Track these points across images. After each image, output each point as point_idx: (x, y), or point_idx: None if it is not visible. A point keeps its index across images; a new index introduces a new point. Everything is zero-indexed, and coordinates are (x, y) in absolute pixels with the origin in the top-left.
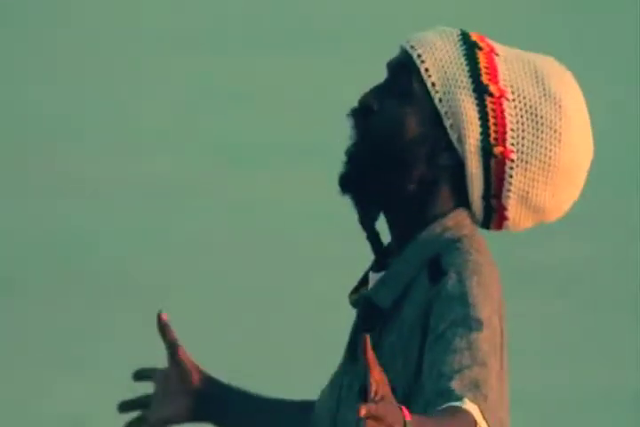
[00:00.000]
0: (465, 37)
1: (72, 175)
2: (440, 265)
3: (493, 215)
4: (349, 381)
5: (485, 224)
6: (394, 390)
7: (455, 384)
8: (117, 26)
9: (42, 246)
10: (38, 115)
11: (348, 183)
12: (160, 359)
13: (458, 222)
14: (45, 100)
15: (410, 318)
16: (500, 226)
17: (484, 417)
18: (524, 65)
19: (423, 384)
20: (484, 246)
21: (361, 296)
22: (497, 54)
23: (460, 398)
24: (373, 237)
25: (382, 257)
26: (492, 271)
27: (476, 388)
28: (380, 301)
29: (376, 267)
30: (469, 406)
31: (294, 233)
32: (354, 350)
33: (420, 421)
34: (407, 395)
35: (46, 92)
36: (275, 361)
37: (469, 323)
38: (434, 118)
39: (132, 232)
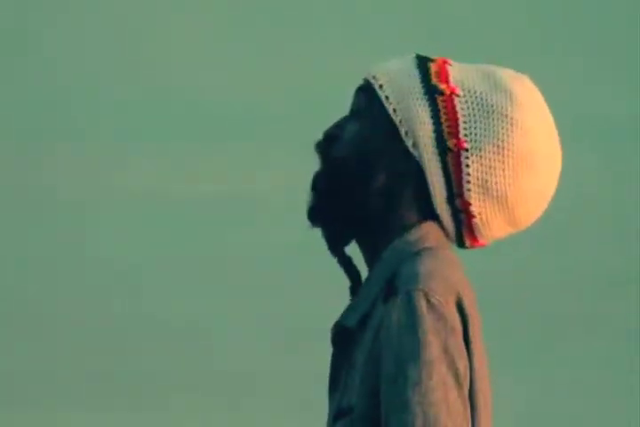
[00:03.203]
0: (420, 56)
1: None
2: (394, 283)
3: (462, 217)
4: (332, 406)
5: (459, 236)
6: (351, 410)
7: None
8: None
9: None
10: None
11: (316, 214)
12: None
13: (421, 236)
14: None
15: (370, 336)
16: (472, 234)
17: None
18: (476, 68)
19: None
20: (447, 259)
21: (334, 324)
22: (450, 64)
23: None
24: (346, 264)
25: (357, 284)
26: (446, 280)
27: None
28: (347, 321)
29: (352, 295)
30: None
31: None
32: (333, 378)
33: None
34: (368, 413)
35: None
36: None
37: (420, 367)
38: (390, 130)
39: None
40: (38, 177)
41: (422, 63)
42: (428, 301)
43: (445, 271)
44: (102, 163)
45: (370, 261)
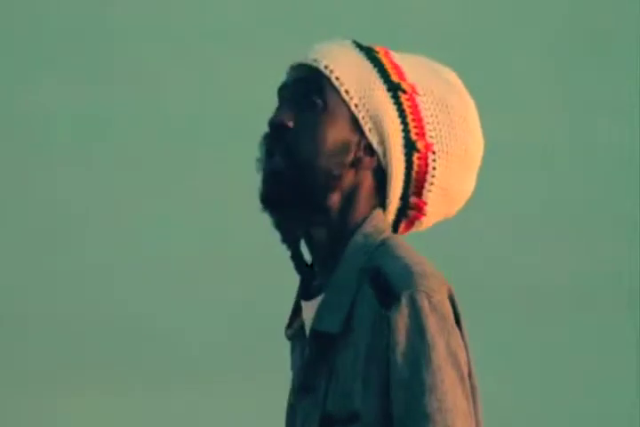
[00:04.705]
0: (358, 45)
1: None
2: (388, 284)
3: (409, 213)
4: (308, 410)
5: (394, 227)
6: (356, 417)
7: None
8: None
9: None
10: None
11: (273, 202)
12: None
13: (376, 225)
14: None
15: (363, 339)
16: (410, 225)
17: None
18: (417, 62)
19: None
20: (404, 242)
21: (301, 330)
22: (392, 55)
23: None
24: (298, 257)
25: (308, 281)
26: (436, 275)
27: None
28: (328, 327)
29: (305, 294)
30: None
31: None
32: (310, 380)
33: None
34: (378, 416)
35: None
36: None
37: (433, 371)
38: (351, 125)
39: None
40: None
41: (370, 54)
42: (430, 301)
43: (427, 264)
44: None
45: (322, 257)
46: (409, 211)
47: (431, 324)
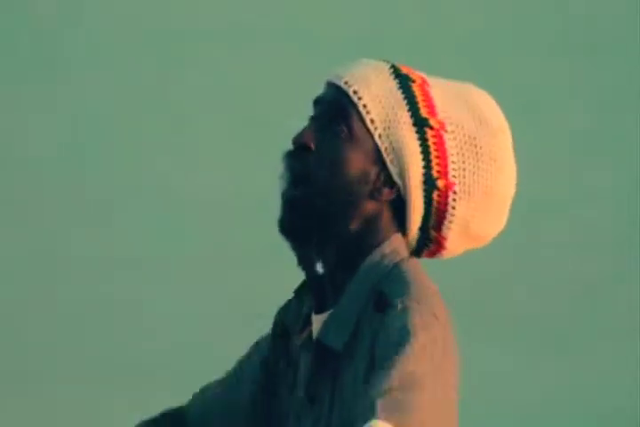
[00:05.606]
0: (396, 70)
1: None
2: (385, 295)
3: (430, 245)
4: (311, 424)
5: (418, 252)
6: None
7: (380, 403)
8: None
9: None
10: None
11: (290, 228)
12: None
13: (394, 248)
14: None
15: (363, 360)
16: (433, 255)
17: None
18: (456, 95)
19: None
20: (420, 268)
21: (309, 340)
22: (429, 85)
23: (376, 417)
24: (316, 280)
25: (320, 296)
26: (434, 296)
27: (399, 411)
28: (332, 342)
29: (316, 308)
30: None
31: None
32: (312, 392)
33: None
34: None
35: None
36: None
37: (406, 350)
38: (374, 154)
39: None
40: None
41: (404, 83)
42: (419, 303)
43: (433, 289)
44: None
45: (333, 275)
46: (429, 243)
47: (418, 320)
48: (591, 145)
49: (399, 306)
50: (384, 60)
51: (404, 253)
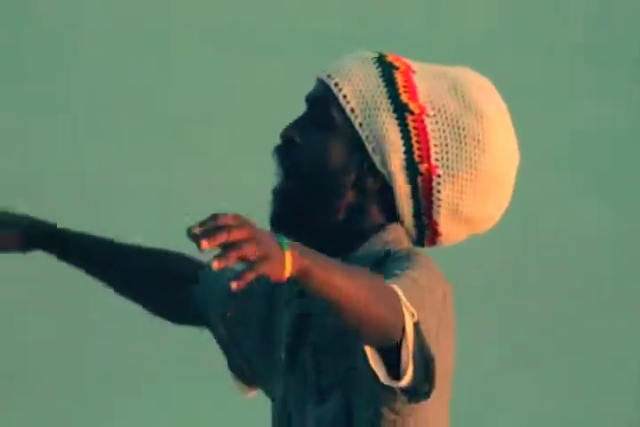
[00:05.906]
0: (380, 59)
1: None
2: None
3: (426, 232)
4: (296, 393)
5: (419, 241)
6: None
7: (393, 280)
8: None
9: None
10: None
11: (281, 223)
12: None
13: (396, 237)
14: None
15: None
16: (433, 242)
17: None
18: (442, 79)
19: None
20: (425, 253)
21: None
22: (414, 71)
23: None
24: None
25: None
26: (437, 275)
27: (408, 290)
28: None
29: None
30: (398, 289)
31: None
32: (291, 361)
33: (306, 250)
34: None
35: None
36: None
37: (411, 274)
38: (355, 144)
39: None
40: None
41: (386, 71)
42: (429, 277)
43: (436, 267)
44: None
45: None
46: (425, 230)
47: (419, 260)
48: (591, 145)
49: (399, 253)
50: (374, 51)
51: (406, 242)
